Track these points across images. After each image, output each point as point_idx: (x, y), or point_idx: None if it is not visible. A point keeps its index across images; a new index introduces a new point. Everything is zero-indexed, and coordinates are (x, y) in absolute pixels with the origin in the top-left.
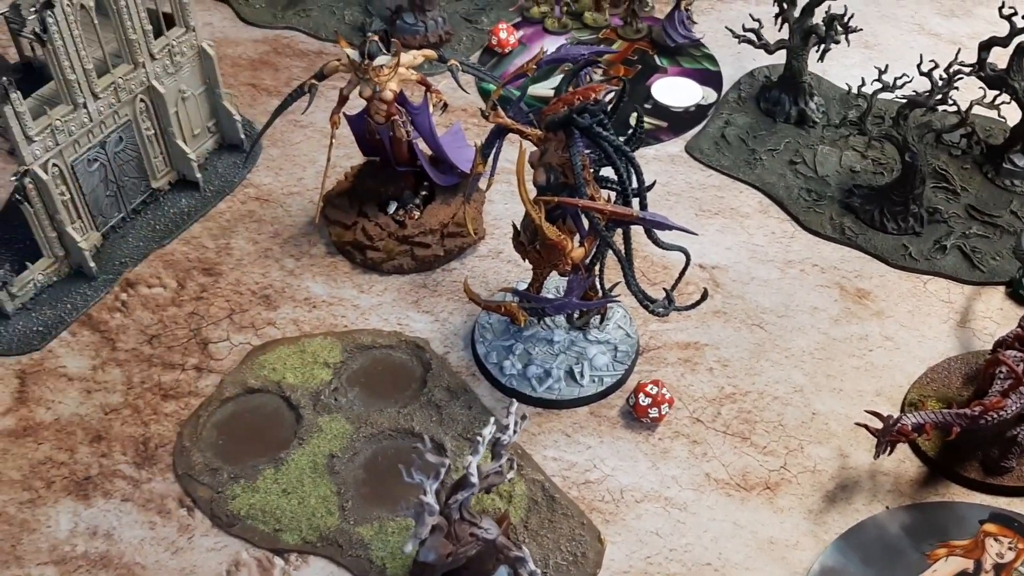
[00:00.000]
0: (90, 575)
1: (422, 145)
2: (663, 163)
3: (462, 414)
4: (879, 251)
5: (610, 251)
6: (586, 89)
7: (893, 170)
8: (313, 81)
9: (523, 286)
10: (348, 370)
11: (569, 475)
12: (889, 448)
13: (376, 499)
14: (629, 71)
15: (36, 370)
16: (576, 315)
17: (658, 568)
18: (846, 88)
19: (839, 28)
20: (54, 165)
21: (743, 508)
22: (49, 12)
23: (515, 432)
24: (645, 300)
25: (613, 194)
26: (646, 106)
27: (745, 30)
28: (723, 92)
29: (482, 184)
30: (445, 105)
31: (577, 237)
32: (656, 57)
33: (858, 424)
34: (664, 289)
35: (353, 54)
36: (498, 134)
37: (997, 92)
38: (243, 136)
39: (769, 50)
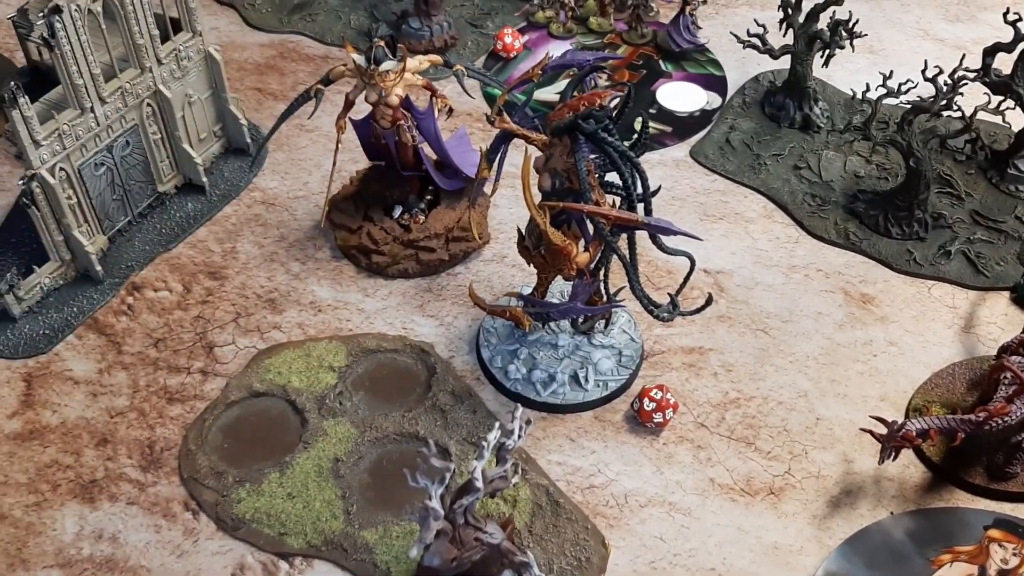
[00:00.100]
0: None
1: (427, 150)
2: (668, 168)
3: (467, 418)
4: (883, 256)
5: (615, 256)
6: (591, 95)
7: (898, 175)
8: (319, 86)
9: (528, 290)
10: (353, 374)
11: (573, 480)
12: (893, 453)
13: (381, 503)
14: (634, 76)
15: (42, 373)
16: (581, 320)
17: (662, 573)
18: (851, 93)
19: (844, 33)
20: (61, 169)
21: (747, 513)
22: (57, 17)
23: (520, 437)
24: (650, 305)
25: (618, 199)
26: (651, 111)
27: (750, 35)
28: (728, 97)
29: (487, 189)
30: (450, 110)
31: (582, 242)
32: (661, 62)
33: (862, 429)
34: (668, 294)
35: (359, 59)
36: (503, 139)
37: (1002, 98)
38: (249, 140)
39: (774, 55)
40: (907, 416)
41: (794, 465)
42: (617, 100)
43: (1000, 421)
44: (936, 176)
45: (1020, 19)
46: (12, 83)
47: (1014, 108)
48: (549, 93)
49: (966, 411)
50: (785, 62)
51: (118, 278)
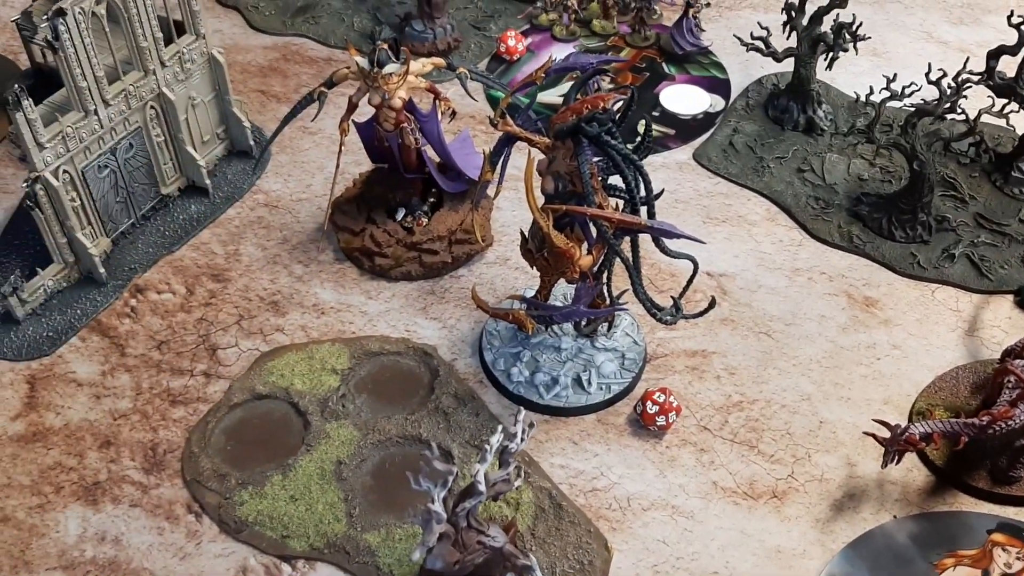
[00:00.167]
0: None
1: (431, 152)
2: (671, 171)
3: (469, 421)
4: (887, 259)
5: (618, 259)
6: (595, 98)
7: (901, 178)
8: (322, 88)
9: (531, 293)
10: (356, 376)
11: (576, 483)
12: (897, 457)
13: (383, 506)
14: (637, 79)
15: (46, 375)
16: (584, 322)
17: None
18: (854, 96)
19: (847, 36)
20: (65, 171)
21: (750, 517)
22: (61, 20)
23: (523, 440)
24: (653, 308)
25: (621, 202)
26: (654, 113)
27: (753, 38)
28: (731, 100)
29: (490, 191)
30: (454, 112)
31: (585, 245)
32: (664, 65)
33: (866, 433)
34: (672, 297)
35: (362, 62)
36: (507, 142)
37: (1006, 101)
38: (252, 143)
39: (777, 58)
40: (910, 420)
41: (797, 468)
42: (620, 103)
43: (1004, 425)
44: (940, 179)
45: None
46: (16, 85)
47: (1018, 111)
48: (552, 96)
49: (970, 415)
50: (789, 65)
51: (121, 280)
